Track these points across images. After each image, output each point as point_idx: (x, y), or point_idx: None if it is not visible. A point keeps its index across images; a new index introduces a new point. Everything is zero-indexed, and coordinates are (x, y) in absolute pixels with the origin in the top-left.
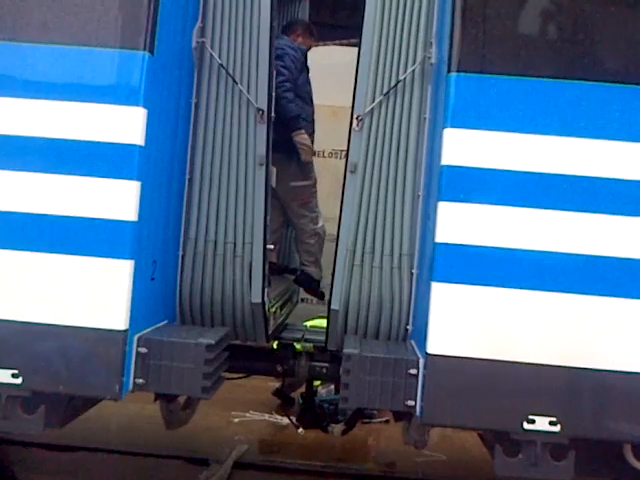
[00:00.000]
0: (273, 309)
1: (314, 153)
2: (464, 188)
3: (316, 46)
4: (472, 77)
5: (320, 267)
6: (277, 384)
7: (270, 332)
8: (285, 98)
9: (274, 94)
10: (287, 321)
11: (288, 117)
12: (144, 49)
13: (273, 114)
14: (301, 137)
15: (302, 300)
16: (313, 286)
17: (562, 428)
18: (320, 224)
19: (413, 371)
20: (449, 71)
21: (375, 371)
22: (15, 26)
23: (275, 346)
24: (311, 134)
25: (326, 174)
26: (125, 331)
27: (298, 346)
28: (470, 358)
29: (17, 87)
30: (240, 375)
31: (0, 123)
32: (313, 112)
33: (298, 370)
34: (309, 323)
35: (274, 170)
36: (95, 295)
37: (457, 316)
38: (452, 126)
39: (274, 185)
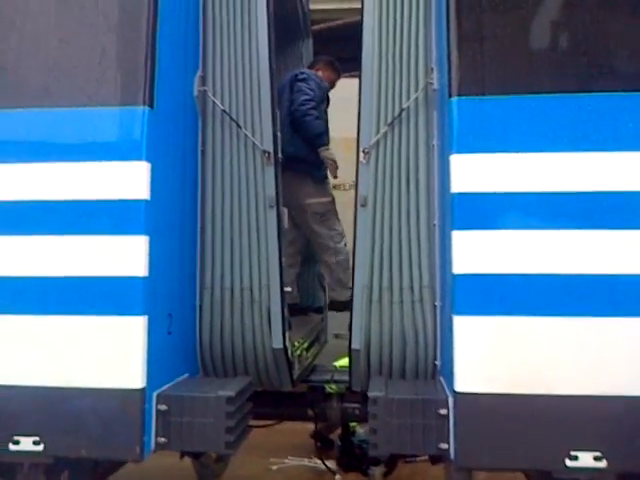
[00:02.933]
0: (298, 352)
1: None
2: (477, 215)
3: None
4: (474, 100)
5: (345, 286)
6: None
7: (295, 377)
8: (310, 115)
9: (298, 113)
10: (316, 362)
11: (314, 133)
12: (143, 104)
13: (280, 155)
14: (328, 152)
15: (336, 336)
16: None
17: (609, 463)
18: (342, 243)
19: (443, 411)
20: (450, 95)
21: (403, 414)
22: (18, 92)
23: (305, 389)
24: None
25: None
26: (142, 389)
27: (328, 388)
28: (502, 394)
29: (23, 153)
30: (272, 422)
31: (7, 189)
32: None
33: (330, 413)
34: (338, 363)
35: (285, 211)
36: (110, 354)
37: (483, 350)
38: (458, 152)
39: (286, 225)
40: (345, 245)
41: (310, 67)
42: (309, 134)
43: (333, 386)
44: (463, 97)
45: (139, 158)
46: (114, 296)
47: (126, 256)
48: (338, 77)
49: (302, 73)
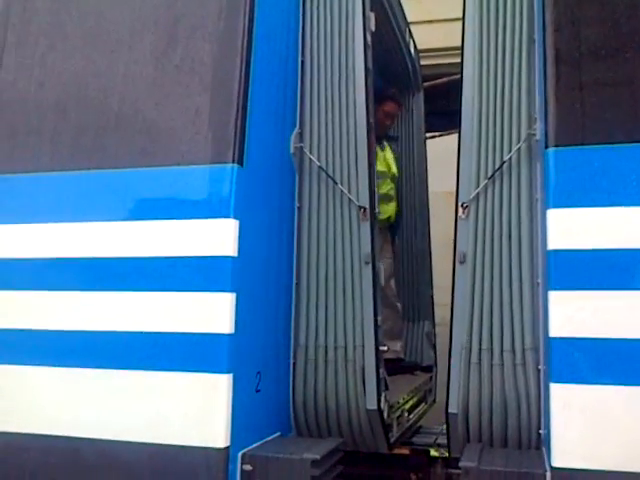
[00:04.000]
0: (397, 413)
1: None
2: (576, 274)
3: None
4: (573, 150)
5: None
6: None
7: (394, 439)
8: None
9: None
10: (422, 423)
11: None
12: (233, 162)
13: (377, 210)
14: None
15: None
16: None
17: None
18: None
19: None
20: (546, 146)
21: None
22: (117, 153)
23: (407, 452)
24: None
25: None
26: (226, 448)
27: (433, 452)
28: (606, 471)
29: (117, 211)
30: None
31: (103, 247)
32: None
33: (434, 478)
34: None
35: (382, 267)
36: (193, 412)
37: (584, 421)
38: (555, 206)
39: (383, 283)
40: None
41: None
42: None
43: (435, 450)
44: (561, 147)
45: (227, 215)
46: (199, 353)
47: (212, 313)
48: (396, 106)
49: None
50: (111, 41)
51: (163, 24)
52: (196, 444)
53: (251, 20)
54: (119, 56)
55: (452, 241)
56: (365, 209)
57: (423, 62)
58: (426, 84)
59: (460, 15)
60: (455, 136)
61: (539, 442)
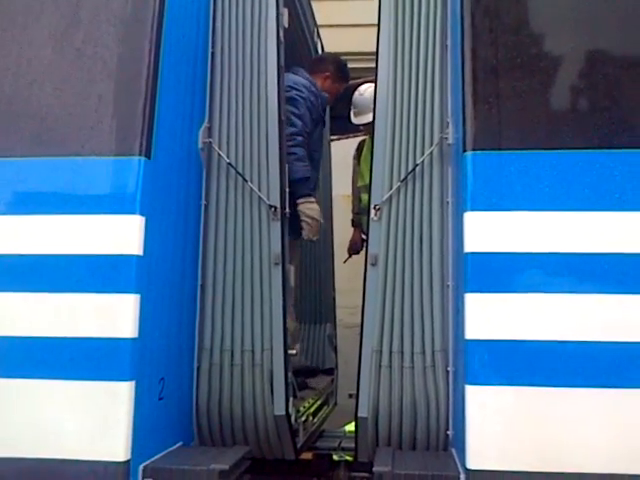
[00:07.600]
0: (303, 418)
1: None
2: (492, 277)
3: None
4: (490, 154)
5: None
6: None
7: (300, 444)
8: (293, 154)
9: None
10: (325, 426)
11: (292, 179)
12: (140, 154)
13: (287, 210)
14: (308, 207)
15: (350, 396)
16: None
17: None
18: None
19: None
20: (464, 150)
21: None
22: (8, 141)
23: (310, 457)
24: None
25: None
26: (126, 462)
27: (335, 456)
28: (522, 473)
29: (9, 204)
30: None
31: None
32: (317, 179)
33: None
34: (348, 427)
35: (292, 268)
36: (91, 423)
37: (499, 422)
38: (472, 209)
39: (292, 284)
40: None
41: (313, 68)
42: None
43: (337, 455)
44: (478, 151)
45: (133, 212)
46: (99, 359)
47: (114, 316)
48: (344, 84)
49: (292, 89)
50: (4, 19)
51: (63, 3)
52: (94, 458)
53: (162, 2)
54: (13, 36)
55: (347, 242)
56: (276, 208)
57: None
58: None
59: (362, 22)
60: (352, 140)
61: (446, 443)
